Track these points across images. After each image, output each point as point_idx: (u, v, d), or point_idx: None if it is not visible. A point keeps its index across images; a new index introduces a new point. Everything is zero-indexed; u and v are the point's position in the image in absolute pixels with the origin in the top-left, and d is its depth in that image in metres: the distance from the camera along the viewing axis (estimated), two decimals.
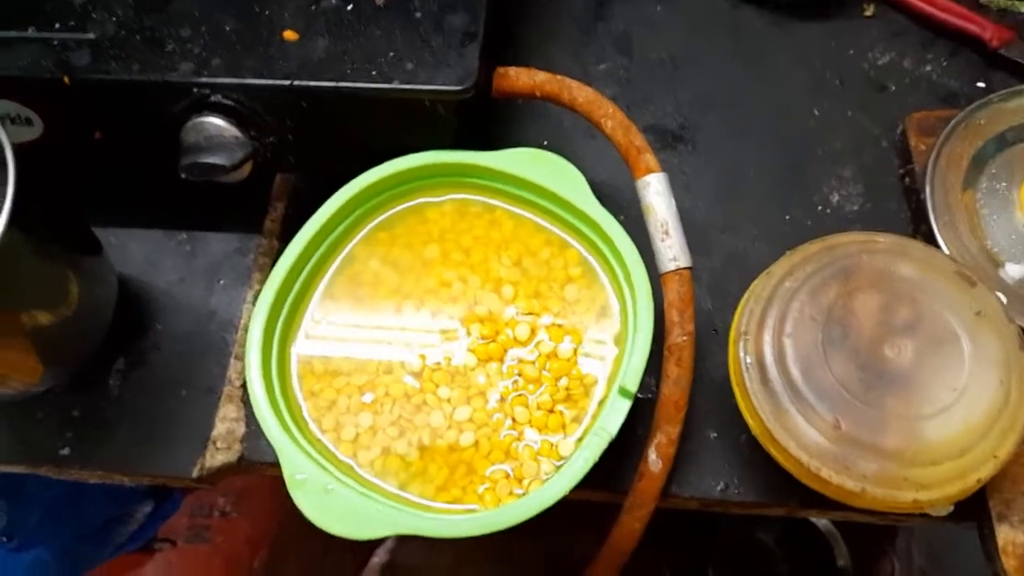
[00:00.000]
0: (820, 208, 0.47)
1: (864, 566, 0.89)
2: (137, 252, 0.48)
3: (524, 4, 0.54)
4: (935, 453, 0.34)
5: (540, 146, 0.49)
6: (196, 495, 0.69)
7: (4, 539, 0.55)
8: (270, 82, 0.39)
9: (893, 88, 0.50)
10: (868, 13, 0.52)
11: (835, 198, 0.47)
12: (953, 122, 0.45)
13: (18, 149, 0.35)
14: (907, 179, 0.46)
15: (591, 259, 0.41)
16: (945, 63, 0.51)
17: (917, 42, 0.51)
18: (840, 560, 0.89)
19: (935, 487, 0.34)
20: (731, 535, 0.85)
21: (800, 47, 0.52)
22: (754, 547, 0.85)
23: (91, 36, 0.40)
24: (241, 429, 0.44)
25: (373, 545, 0.87)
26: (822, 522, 0.89)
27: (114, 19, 0.41)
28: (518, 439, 0.37)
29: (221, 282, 0.47)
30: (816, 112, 0.50)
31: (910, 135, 0.46)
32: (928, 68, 0.51)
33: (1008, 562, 0.36)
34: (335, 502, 0.34)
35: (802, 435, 0.35)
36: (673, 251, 0.38)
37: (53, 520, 0.55)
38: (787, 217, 0.47)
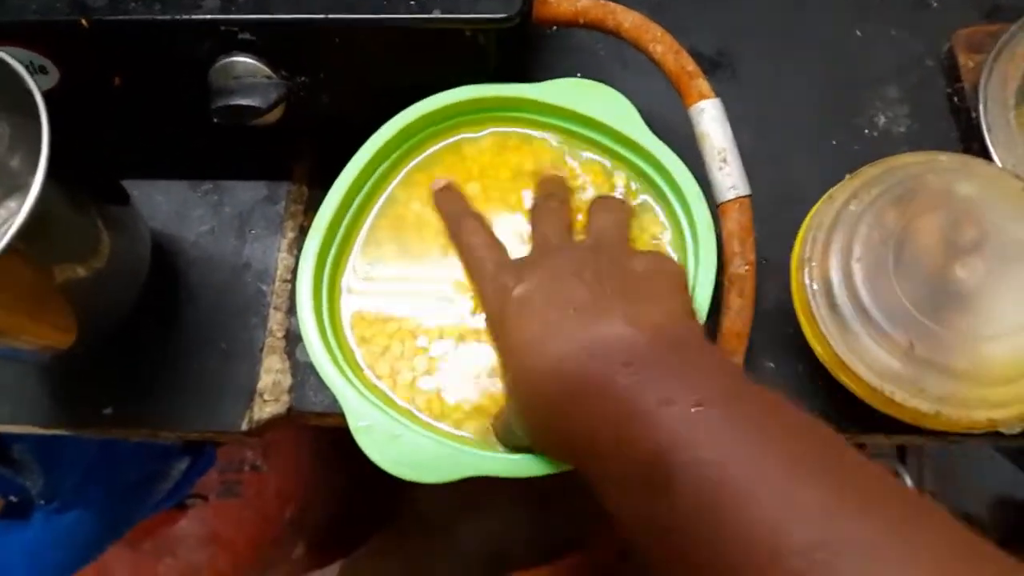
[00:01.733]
0: (866, 131, 0.46)
1: None
2: (163, 204, 0.46)
3: None
4: (1008, 371, 0.33)
5: (574, 77, 0.48)
6: (225, 450, 0.69)
7: (42, 502, 0.55)
8: (302, 16, 0.36)
9: (935, 4, 0.49)
10: None
11: (881, 120, 0.46)
12: (1005, 36, 0.43)
13: None
14: (956, 98, 0.45)
15: (642, 191, 0.39)
16: None
17: None
18: None
19: (1010, 405, 0.33)
20: None
21: None
22: None
23: None
24: (287, 380, 0.43)
25: (401, 493, 0.88)
26: None
27: None
28: None
29: (252, 231, 0.46)
30: (858, 32, 0.48)
31: (958, 52, 0.45)
32: None
33: None
34: (403, 448, 0.33)
35: (873, 359, 0.34)
36: (732, 179, 0.37)
37: (91, 481, 0.54)
38: (833, 143, 0.46)
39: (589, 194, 0.39)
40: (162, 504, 0.59)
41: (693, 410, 0.25)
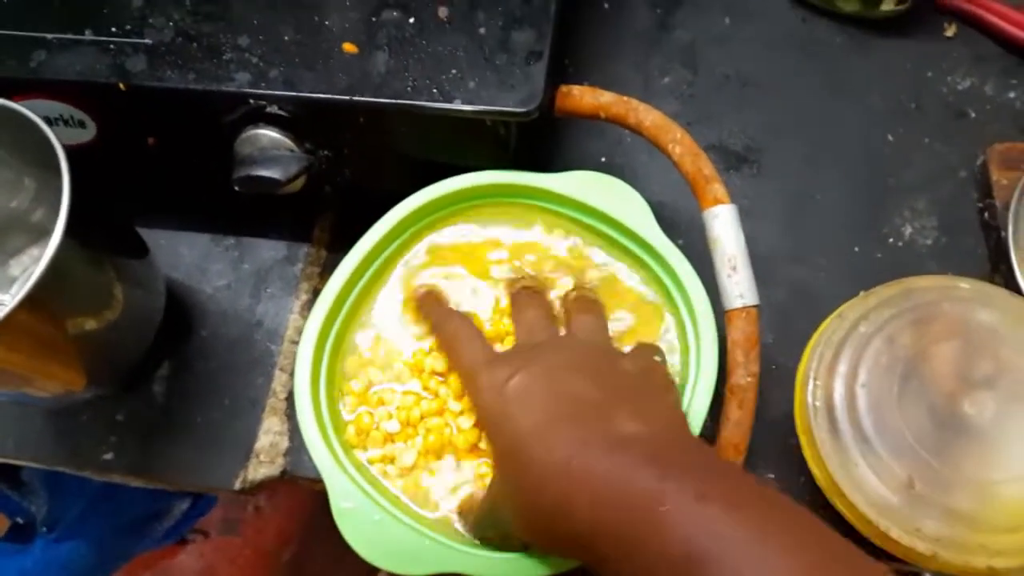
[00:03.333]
0: (891, 241, 0.45)
1: None
2: (185, 255, 0.47)
3: (586, 13, 0.52)
4: (1013, 519, 0.32)
5: (598, 162, 0.48)
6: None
7: (44, 530, 0.55)
8: (329, 96, 0.37)
9: (973, 115, 0.48)
10: (949, 33, 0.50)
11: (908, 231, 0.45)
12: None
13: (69, 152, 0.34)
14: (986, 214, 0.44)
15: (648, 291, 0.39)
16: None
17: (1000, 68, 0.49)
18: None
19: (1012, 555, 0.32)
20: None
21: (876, 68, 0.49)
22: None
23: (148, 42, 0.39)
24: (284, 443, 0.43)
25: None
26: None
27: (171, 24, 0.40)
28: None
29: (268, 290, 0.46)
30: (890, 138, 0.47)
31: (991, 167, 0.44)
32: (1011, 95, 0.48)
33: None
34: (382, 535, 0.33)
35: (871, 490, 0.33)
36: (740, 287, 0.36)
37: (93, 514, 0.55)
38: (856, 249, 0.45)
39: (564, 281, 0.39)
40: (161, 541, 0.60)
41: (728, 512, 0.25)
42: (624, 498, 0.26)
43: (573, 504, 0.27)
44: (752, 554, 0.24)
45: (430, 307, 0.38)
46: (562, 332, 0.36)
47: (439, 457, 0.36)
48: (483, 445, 0.36)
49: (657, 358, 0.36)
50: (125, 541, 0.57)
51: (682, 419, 0.32)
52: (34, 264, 0.43)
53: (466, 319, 0.37)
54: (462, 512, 0.35)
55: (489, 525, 0.34)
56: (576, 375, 0.31)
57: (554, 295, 0.38)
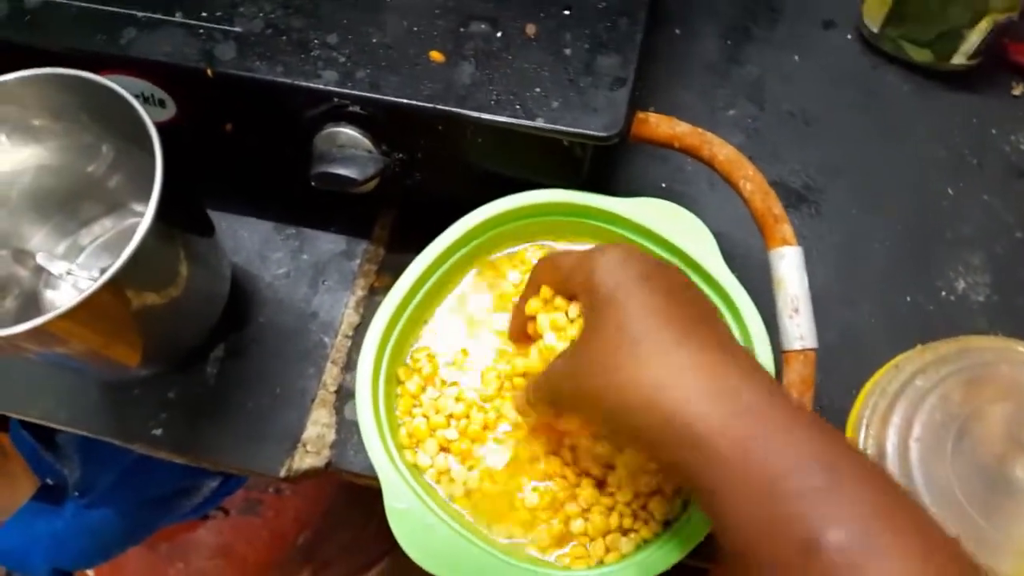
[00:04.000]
0: (944, 294, 0.45)
1: None
2: (247, 241, 0.48)
3: (657, 37, 0.53)
4: None
5: (659, 189, 0.49)
6: None
7: (76, 495, 0.56)
8: (413, 102, 0.38)
9: None
10: (1017, 92, 0.50)
11: (960, 285, 0.45)
12: None
13: None
14: None
15: None
16: None
17: None
18: None
19: None
20: None
21: (941, 120, 0.50)
22: None
23: (238, 30, 0.40)
24: (331, 435, 0.44)
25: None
26: None
27: (262, 15, 0.40)
28: (617, 507, 0.36)
29: (325, 283, 0.47)
30: (950, 191, 0.48)
31: None
32: None
33: None
34: (433, 540, 0.34)
35: None
36: (801, 330, 0.37)
37: (124, 486, 0.56)
38: (907, 299, 0.45)
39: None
40: (186, 516, 0.61)
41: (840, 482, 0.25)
42: (752, 452, 0.26)
43: (690, 407, 0.26)
44: (864, 524, 0.24)
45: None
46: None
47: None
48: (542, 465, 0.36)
49: None
50: (153, 514, 0.58)
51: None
52: (105, 234, 0.44)
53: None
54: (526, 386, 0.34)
55: (544, 397, 0.33)
56: (686, 291, 0.31)
57: None
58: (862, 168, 0.49)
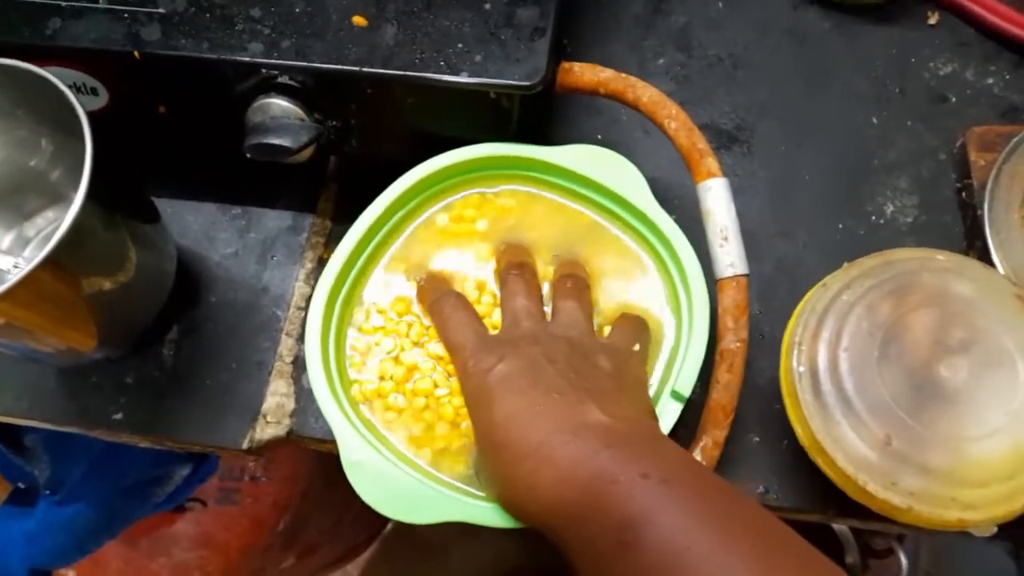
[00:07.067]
0: (874, 218, 0.47)
1: (871, 564, 0.90)
2: (193, 224, 0.48)
3: None
4: (983, 474, 0.34)
5: (595, 140, 0.50)
6: (227, 459, 0.70)
7: (47, 492, 0.57)
8: (339, 67, 0.39)
9: (954, 100, 0.50)
10: (932, 21, 0.52)
11: (889, 209, 0.47)
12: (1016, 139, 0.44)
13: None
14: (964, 193, 0.46)
15: (646, 259, 0.41)
16: (1008, 76, 0.50)
17: (980, 54, 0.51)
18: (849, 558, 0.90)
19: (981, 508, 0.34)
20: None
21: (862, 53, 0.51)
22: None
23: (161, 11, 0.40)
24: (291, 404, 0.44)
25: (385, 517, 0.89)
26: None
27: None
28: None
29: (274, 258, 0.48)
30: (874, 120, 0.49)
31: (970, 149, 0.46)
32: (990, 81, 0.50)
33: None
34: (391, 487, 0.35)
35: (851, 448, 0.35)
36: (731, 257, 0.38)
37: (95, 477, 0.56)
38: (840, 226, 0.47)
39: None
40: (161, 506, 0.61)
41: (665, 485, 0.29)
42: (580, 477, 0.30)
43: (540, 482, 0.31)
44: (683, 522, 0.28)
45: (426, 291, 0.41)
46: (547, 310, 0.39)
47: (435, 421, 0.38)
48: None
49: (637, 347, 0.38)
50: (127, 504, 0.58)
51: (645, 415, 0.35)
52: (49, 226, 0.45)
53: (460, 299, 0.40)
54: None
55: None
56: (552, 369, 0.34)
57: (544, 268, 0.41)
58: (790, 106, 0.50)
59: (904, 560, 0.90)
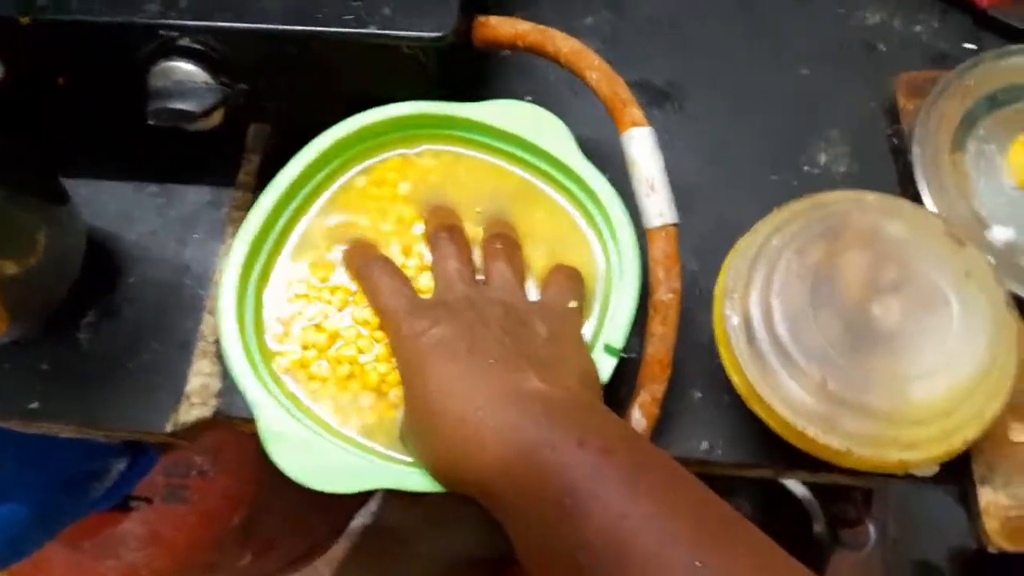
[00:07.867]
0: (807, 169, 0.46)
1: (840, 534, 0.90)
2: (109, 204, 0.46)
3: None
4: (921, 413, 0.33)
5: (524, 100, 0.48)
6: (172, 454, 0.68)
7: None
8: (240, 25, 0.37)
9: (883, 48, 0.49)
10: None
11: (823, 159, 0.46)
12: (942, 82, 0.44)
13: None
14: (895, 140, 0.46)
15: (575, 214, 0.40)
16: (936, 24, 0.50)
17: (908, 2, 0.50)
18: (817, 527, 0.90)
19: (921, 447, 0.33)
20: None
21: (792, 6, 0.50)
22: None
23: None
24: (216, 384, 0.43)
25: (352, 503, 0.88)
26: (800, 490, 0.90)
27: None
28: None
29: (195, 235, 0.46)
30: (805, 71, 0.49)
31: (899, 95, 0.46)
32: (918, 29, 0.50)
33: (989, 523, 0.36)
34: (312, 456, 0.34)
35: (788, 394, 0.34)
36: (659, 207, 0.37)
37: (26, 472, 0.54)
38: (774, 178, 0.46)
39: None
40: (99, 504, 0.59)
41: (604, 455, 0.28)
42: (518, 444, 0.29)
43: (475, 450, 0.30)
44: (622, 488, 0.27)
45: (353, 256, 0.39)
46: (479, 277, 0.38)
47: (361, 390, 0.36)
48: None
49: (573, 303, 0.37)
50: (62, 501, 0.56)
51: (584, 381, 0.34)
52: None
53: (389, 264, 0.38)
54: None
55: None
56: (488, 334, 0.33)
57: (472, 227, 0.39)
58: (723, 61, 0.49)
59: (872, 529, 0.91)
